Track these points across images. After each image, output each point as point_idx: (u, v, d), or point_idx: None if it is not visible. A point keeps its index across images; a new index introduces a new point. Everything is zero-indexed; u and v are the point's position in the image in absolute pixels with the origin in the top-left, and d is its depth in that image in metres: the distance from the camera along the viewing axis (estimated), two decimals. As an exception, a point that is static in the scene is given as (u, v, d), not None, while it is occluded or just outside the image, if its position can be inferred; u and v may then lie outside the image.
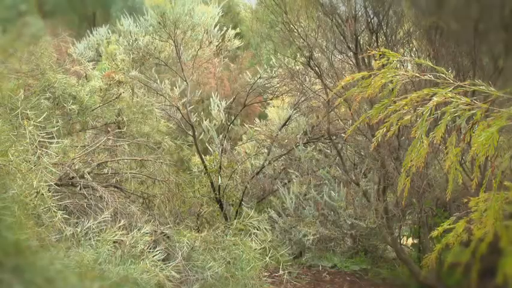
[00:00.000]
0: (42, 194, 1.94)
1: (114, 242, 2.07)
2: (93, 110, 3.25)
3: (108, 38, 6.94)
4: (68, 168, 2.60)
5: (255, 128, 5.94)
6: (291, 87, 5.42)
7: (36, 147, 2.16)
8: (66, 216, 2.05)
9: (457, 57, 3.11)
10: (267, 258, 2.68)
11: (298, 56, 4.36)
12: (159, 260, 2.11)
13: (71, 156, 2.80)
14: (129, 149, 3.10)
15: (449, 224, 1.77)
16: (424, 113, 1.55)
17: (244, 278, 2.55)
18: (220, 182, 4.88)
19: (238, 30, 6.59)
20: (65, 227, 2.01)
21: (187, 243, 2.47)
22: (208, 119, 5.67)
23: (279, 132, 5.43)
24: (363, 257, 4.57)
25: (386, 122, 1.67)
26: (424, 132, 1.58)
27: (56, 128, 2.71)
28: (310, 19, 3.92)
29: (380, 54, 1.71)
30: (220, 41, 6.09)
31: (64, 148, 2.66)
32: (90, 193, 2.53)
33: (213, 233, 2.71)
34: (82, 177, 2.63)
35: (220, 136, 5.34)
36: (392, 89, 1.66)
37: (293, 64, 4.86)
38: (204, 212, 3.12)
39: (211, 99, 5.88)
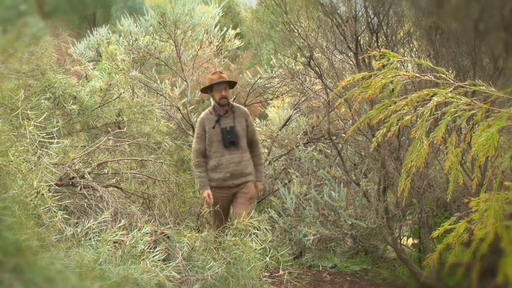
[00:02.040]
0: (43, 194, 1.94)
1: (114, 242, 2.07)
2: (93, 110, 3.25)
3: (108, 38, 6.93)
4: (68, 168, 2.60)
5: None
6: (291, 87, 5.43)
7: (36, 147, 2.16)
8: (66, 216, 2.05)
9: (457, 57, 3.11)
10: (267, 259, 2.67)
11: (299, 56, 4.36)
12: (159, 260, 2.11)
13: (71, 156, 2.80)
14: (129, 149, 3.10)
15: (450, 224, 1.77)
16: (424, 113, 1.55)
17: (245, 278, 2.55)
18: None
19: (238, 30, 6.60)
20: (65, 227, 2.01)
21: (187, 243, 2.47)
22: (208, 119, 5.65)
23: (279, 132, 5.43)
24: (363, 257, 4.57)
25: (386, 122, 1.67)
26: (424, 133, 1.57)
27: (56, 128, 2.71)
28: (310, 19, 3.92)
29: (380, 55, 1.71)
30: (220, 41, 6.09)
31: (64, 148, 2.67)
32: (91, 193, 2.53)
33: (213, 233, 2.72)
34: (82, 177, 2.64)
35: (221, 136, 5.33)
36: (393, 90, 1.66)
37: (293, 64, 4.87)
38: (205, 212, 3.11)
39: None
